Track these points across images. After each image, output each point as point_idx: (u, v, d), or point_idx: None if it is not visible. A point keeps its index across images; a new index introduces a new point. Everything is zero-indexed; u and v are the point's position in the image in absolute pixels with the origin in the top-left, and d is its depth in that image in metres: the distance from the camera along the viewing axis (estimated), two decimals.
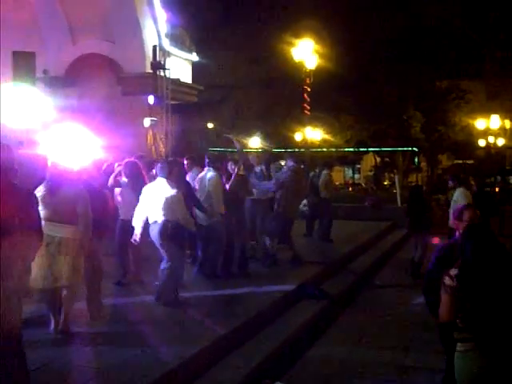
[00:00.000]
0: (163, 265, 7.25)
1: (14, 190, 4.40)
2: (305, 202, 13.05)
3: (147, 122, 17.21)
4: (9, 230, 4.19)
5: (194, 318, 6.83)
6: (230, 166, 9.49)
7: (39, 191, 5.93)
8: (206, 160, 9.01)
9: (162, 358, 5.44)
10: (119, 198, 8.27)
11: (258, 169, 10.71)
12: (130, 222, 7.72)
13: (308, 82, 19.77)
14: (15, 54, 14.04)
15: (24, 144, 14.18)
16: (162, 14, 18.02)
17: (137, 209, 7.44)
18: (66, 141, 9.63)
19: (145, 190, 7.46)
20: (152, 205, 7.27)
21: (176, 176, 7.76)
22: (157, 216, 7.21)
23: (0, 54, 14.73)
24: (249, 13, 29.78)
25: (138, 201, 7.64)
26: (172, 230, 7.19)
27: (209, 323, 6.57)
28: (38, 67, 15.08)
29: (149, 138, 17.68)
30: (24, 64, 13.85)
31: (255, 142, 34.48)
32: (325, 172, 13.31)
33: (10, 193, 4.32)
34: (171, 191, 7.32)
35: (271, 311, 7.45)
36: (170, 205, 7.26)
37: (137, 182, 7.98)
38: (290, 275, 9.32)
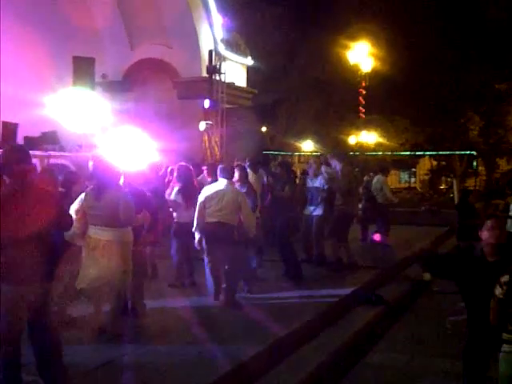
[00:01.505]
0: (226, 267, 7.31)
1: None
2: (359, 206, 12.90)
3: (202, 125, 17.35)
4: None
5: (251, 320, 6.84)
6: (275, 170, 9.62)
7: (85, 195, 6.02)
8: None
9: (220, 359, 5.46)
10: (173, 201, 8.34)
11: (310, 170, 10.68)
12: (183, 224, 7.83)
13: (363, 84, 19.54)
14: (76, 59, 14.42)
15: (82, 147, 14.57)
16: (217, 19, 18.16)
17: (196, 212, 7.47)
18: (123, 144, 9.81)
19: (204, 191, 7.52)
20: (212, 206, 7.31)
21: (241, 178, 7.87)
22: (218, 218, 7.25)
23: (61, 59, 15.10)
24: (302, 15, 29.69)
25: (190, 204, 7.73)
26: (233, 232, 7.26)
27: (266, 326, 6.57)
28: (96, 72, 15.44)
29: (204, 141, 17.82)
30: (84, 69, 14.21)
31: (308, 146, 34.42)
32: (380, 177, 13.13)
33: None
34: (233, 193, 7.37)
35: (327, 315, 7.38)
36: (231, 206, 7.30)
37: (188, 186, 8.08)
38: (346, 280, 9.23)
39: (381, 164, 17.43)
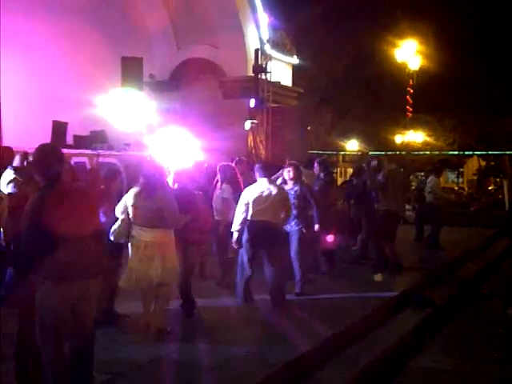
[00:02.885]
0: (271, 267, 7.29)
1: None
2: (408, 206, 12.72)
3: (248, 124, 17.38)
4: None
5: (299, 319, 6.83)
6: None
7: (132, 195, 6.05)
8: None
9: (267, 358, 5.44)
10: (217, 200, 8.36)
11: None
12: (227, 224, 7.83)
13: (411, 83, 19.23)
14: (124, 59, 14.60)
15: (130, 146, 14.78)
16: (264, 18, 18.15)
17: (237, 211, 7.42)
18: (170, 143, 9.90)
19: (247, 191, 7.47)
20: (257, 206, 7.28)
21: (295, 177, 7.86)
22: (263, 217, 7.23)
23: (110, 60, 15.33)
24: (349, 14, 29.41)
25: (233, 203, 7.72)
26: (278, 232, 7.24)
27: (313, 326, 6.54)
28: (144, 72, 15.63)
29: (249, 140, 17.85)
30: (132, 69, 14.38)
31: (353, 145, 34.14)
32: (433, 177, 12.90)
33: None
34: (279, 192, 7.34)
35: (375, 317, 7.29)
36: (276, 206, 7.28)
37: (232, 185, 8.08)
38: (394, 281, 9.10)
39: (436, 164, 16.98)
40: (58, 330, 4.18)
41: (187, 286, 6.73)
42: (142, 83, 15.13)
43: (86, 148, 13.43)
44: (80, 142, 14.66)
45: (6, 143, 12.24)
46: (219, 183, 8.35)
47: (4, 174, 7.02)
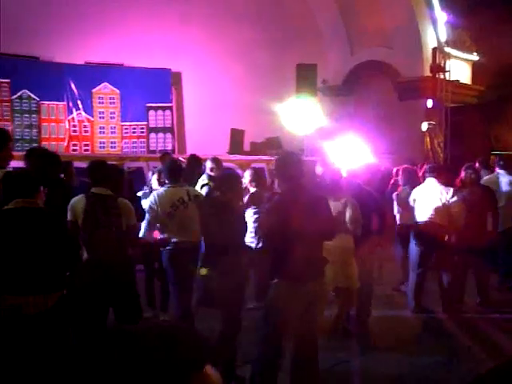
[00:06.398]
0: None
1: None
2: None
3: (425, 126, 16.79)
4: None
5: (478, 329, 6.41)
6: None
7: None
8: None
9: (454, 372, 5.17)
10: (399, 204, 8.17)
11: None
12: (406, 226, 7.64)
13: None
14: (299, 66, 14.82)
15: (305, 151, 14.95)
16: (441, 17, 17.44)
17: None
18: (345, 147, 9.86)
19: (415, 192, 7.33)
20: (422, 207, 7.08)
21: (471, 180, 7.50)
22: (428, 218, 6.98)
23: (284, 66, 15.63)
24: None
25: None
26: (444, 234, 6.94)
27: (497, 338, 6.10)
28: (318, 78, 15.76)
29: (426, 142, 17.22)
30: (307, 76, 14.55)
31: None
32: None
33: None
34: (440, 193, 7.07)
35: None
36: (440, 208, 6.99)
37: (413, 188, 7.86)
38: None
39: None
40: (284, 331, 4.26)
41: (368, 293, 6.64)
42: (316, 89, 15.26)
43: (262, 154, 13.83)
44: (256, 148, 15.15)
45: (189, 151, 13.03)
46: (401, 186, 8.20)
47: (200, 180, 7.64)
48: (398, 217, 8.13)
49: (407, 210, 7.77)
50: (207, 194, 6.81)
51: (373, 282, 6.83)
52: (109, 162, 5.84)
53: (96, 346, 1.95)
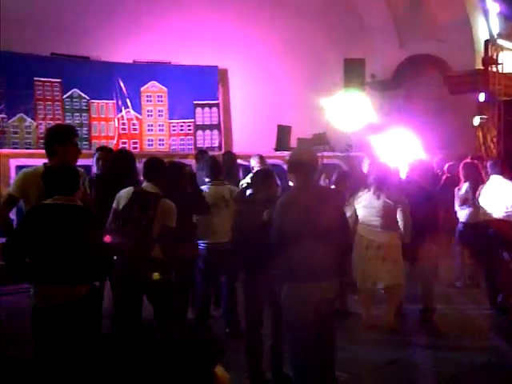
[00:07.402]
0: None
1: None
2: None
3: (477, 120, 16.37)
4: None
5: None
6: None
7: (364, 195, 5.98)
8: None
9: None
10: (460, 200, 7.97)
11: None
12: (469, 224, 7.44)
13: None
14: (347, 61, 14.66)
15: (352, 147, 14.79)
16: (493, 7, 16.96)
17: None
18: (395, 142, 9.67)
19: (482, 189, 7.11)
20: (488, 204, 6.88)
21: None
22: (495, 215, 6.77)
23: (333, 61, 15.49)
24: None
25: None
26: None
27: None
28: (366, 72, 15.56)
29: (478, 137, 16.80)
30: (355, 71, 14.39)
31: None
32: None
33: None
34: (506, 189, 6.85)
35: None
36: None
37: (476, 184, 7.61)
38: None
39: None
40: (305, 330, 4.21)
41: (430, 290, 6.54)
42: (364, 84, 15.07)
43: None
44: (303, 144, 15.04)
45: (236, 149, 13.03)
46: (463, 182, 7.97)
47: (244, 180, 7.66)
48: (460, 213, 7.89)
49: (470, 206, 7.57)
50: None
51: (434, 280, 6.71)
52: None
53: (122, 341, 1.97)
